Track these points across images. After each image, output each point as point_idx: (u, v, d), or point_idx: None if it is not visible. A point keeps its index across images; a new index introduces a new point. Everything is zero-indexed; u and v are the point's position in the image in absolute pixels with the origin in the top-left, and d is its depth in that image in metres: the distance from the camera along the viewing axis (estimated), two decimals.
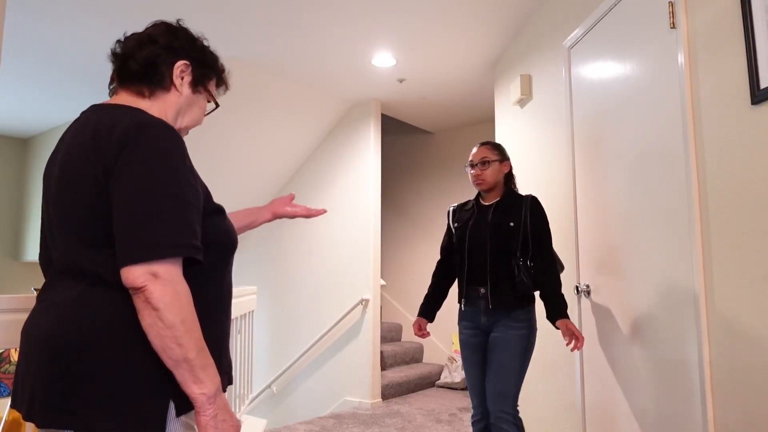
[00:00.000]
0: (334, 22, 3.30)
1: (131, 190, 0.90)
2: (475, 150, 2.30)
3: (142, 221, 0.88)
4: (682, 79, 1.74)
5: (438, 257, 5.45)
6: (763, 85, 1.44)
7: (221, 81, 1.20)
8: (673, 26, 1.79)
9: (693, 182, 1.69)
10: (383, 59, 3.83)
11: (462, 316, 2.27)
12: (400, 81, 4.25)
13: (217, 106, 1.20)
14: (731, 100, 1.56)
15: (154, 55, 1.07)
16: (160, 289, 0.86)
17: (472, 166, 2.28)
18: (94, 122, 0.98)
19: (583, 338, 2.04)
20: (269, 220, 1.46)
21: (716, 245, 1.61)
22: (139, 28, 1.19)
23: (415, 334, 2.33)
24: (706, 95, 1.66)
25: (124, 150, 0.92)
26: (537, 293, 2.20)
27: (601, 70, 2.28)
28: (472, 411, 2.24)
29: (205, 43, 1.17)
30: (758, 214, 1.46)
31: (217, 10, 3.13)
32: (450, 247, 2.38)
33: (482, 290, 2.18)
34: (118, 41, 1.11)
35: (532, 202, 2.21)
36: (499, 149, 2.29)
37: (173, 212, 0.91)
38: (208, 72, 1.15)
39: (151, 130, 0.94)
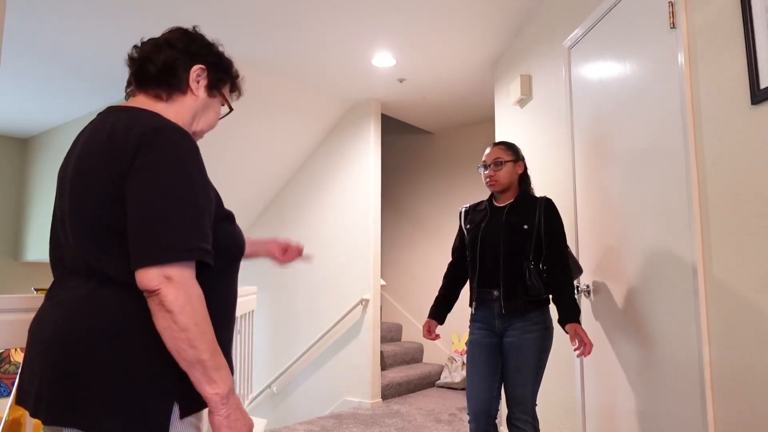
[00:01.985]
0: (334, 23, 3.30)
1: (146, 193, 0.91)
2: (488, 150, 2.25)
3: (156, 224, 0.89)
4: (682, 79, 1.74)
5: (439, 257, 5.50)
6: (763, 85, 1.44)
7: (235, 86, 1.23)
8: (673, 26, 1.79)
9: (693, 182, 1.69)
10: (383, 59, 3.83)
11: (474, 318, 2.23)
12: (400, 81, 4.25)
13: (231, 110, 1.22)
14: (731, 100, 1.56)
15: (172, 58, 1.09)
16: (174, 292, 0.87)
17: (485, 167, 2.22)
18: (111, 123, 1.00)
19: (591, 344, 1.98)
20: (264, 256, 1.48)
21: (716, 245, 1.61)
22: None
23: (424, 336, 2.28)
24: (706, 95, 1.66)
25: (140, 153, 0.93)
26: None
27: (601, 70, 2.28)
28: (468, 417, 2.17)
29: (221, 49, 1.19)
30: (758, 215, 1.46)
31: (217, 11, 3.12)
32: (462, 249, 2.33)
33: (495, 293, 2.13)
34: (135, 46, 1.13)
35: (547, 204, 2.15)
36: (513, 149, 2.23)
37: (187, 216, 0.92)
38: (224, 76, 1.18)
39: (167, 135, 0.95)
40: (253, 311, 3.16)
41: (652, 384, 1.90)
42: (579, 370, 2.44)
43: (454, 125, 5.54)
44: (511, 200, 2.22)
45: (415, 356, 5.43)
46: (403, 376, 4.82)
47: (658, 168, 1.88)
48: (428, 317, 2.33)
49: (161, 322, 0.88)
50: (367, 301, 4.46)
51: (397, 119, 5.56)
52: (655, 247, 1.89)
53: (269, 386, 5.06)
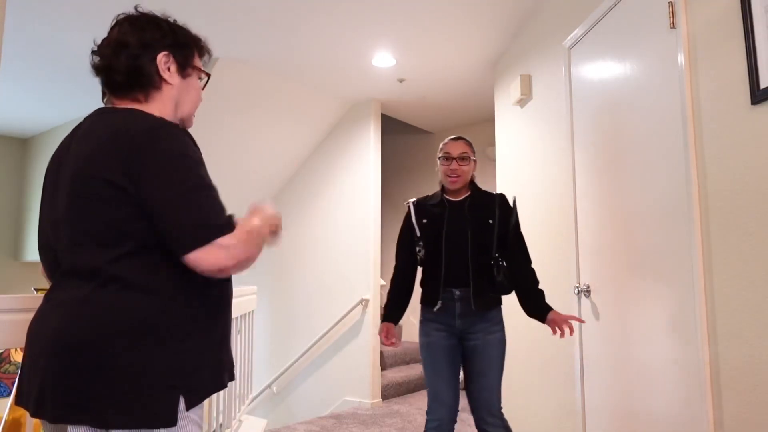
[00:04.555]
0: (334, 23, 3.30)
1: (170, 190, 0.95)
2: (450, 142, 2.15)
3: (193, 211, 0.96)
4: (682, 79, 1.74)
5: None
6: (763, 85, 1.44)
7: (202, 51, 1.18)
8: (673, 26, 1.79)
9: (693, 182, 1.69)
10: (383, 59, 3.83)
11: (429, 318, 2.10)
12: (400, 81, 4.25)
13: (209, 76, 1.19)
14: (731, 100, 1.56)
15: (133, 59, 1.06)
16: (227, 257, 0.97)
17: (449, 159, 2.11)
18: (109, 124, 0.99)
19: (572, 325, 1.98)
20: None
21: (716, 245, 1.61)
22: None
23: (383, 343, 2.12)
24: (706, 95, 1.66)
25: (143, 156, 0.94)
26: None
27: (601, 70, 2.28)
28: (427, 416, 2.06)
29: (170, 19, 1.14)
30: (759, 214, 1.46)
31: (217, 11, 3.12)
32: (412, 244, 2.18)
33: (458, 292, 2.04)
34: (93, 52, 1.10)
35: (503, 199, 2.15)
36: (472, 147, 2.18)
37: (210, 198, 1.00)
38: (189, 51, 1.14)
39: (166, 131, 0.97)
40: (253, 311, 3.15)
41: (652, 384, 1.90)
42: (579, 370, 2.44)
43: (454, 125, 5.54)
44: (467, 195, 2.16)
45: (415, 356, 5.43)
46: (403, 376, 4.82)
47: (658, 168, 1.88)
48: (383, 321, 2.14)
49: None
50: (367, 301, 4.46)
51: (397, 119, 5.56)
52: (655, 247, 1.89)
53: (269, 386, 5.06)
